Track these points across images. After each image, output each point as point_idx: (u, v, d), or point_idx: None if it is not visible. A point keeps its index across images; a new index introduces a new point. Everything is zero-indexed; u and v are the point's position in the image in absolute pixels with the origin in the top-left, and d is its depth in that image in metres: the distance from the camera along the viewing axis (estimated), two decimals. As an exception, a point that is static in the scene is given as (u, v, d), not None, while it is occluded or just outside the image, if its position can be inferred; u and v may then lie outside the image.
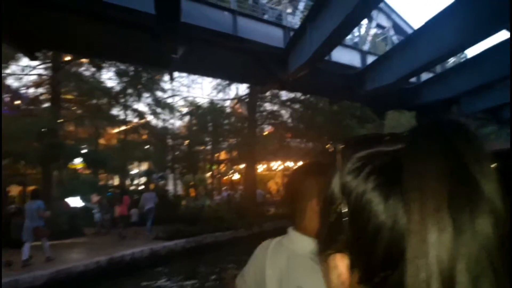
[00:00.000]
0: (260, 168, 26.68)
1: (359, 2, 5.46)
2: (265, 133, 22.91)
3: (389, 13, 12.41)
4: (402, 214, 0.33)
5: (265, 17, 8.37)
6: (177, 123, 19.22)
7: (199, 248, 11.00)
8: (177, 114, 18.54)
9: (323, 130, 17.50)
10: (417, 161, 0.33)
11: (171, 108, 17.81)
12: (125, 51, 8.67)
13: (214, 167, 26.78)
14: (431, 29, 7.79)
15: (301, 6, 9.21)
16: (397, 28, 12.54)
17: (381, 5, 12.30)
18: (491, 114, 15.17)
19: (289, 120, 19.40)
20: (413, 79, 11.71)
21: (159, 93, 17.11)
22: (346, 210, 0.38)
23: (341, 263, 0.38)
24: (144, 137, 19.34)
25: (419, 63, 8.24)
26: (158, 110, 17.19)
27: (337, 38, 6.69)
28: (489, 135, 26.13)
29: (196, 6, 7.09)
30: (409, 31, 11.76)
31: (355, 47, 10.28)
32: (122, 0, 6.01)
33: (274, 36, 8.24)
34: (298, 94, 17.02)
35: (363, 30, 11.14)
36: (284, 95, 17.76)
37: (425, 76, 12.05)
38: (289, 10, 9.08)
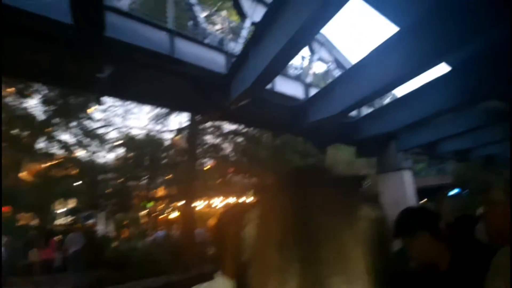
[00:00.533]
0: (200, 205, 25.47)
1: (300, 28, 5.08)
2: (206, 168, 22.02)
3: (330, 48, 12.61)
4: None
5: (206, 41, 7.83)
6: (109, 156, 17.70)
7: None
8: (108, 146, 17.06)
9: (266, 165, 17.05)
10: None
11: (101, 140, 16.35)
12: (45, 71, 7.58)
13: (150, 204, 25.10)
14: (373, 61, 7.70)
15: (244, 33, 8.83)
16: (338, 64, 12.74)
17: (323, 39, 12.50)
18: (427, 149, 15.72)
19: (231, 154, 18.75)
20: (354, 113, 11.74)
21: (89, 123, 15.64)
22: None
23: None
24: (72, 172, 17.51)
25: (361, 95, 8.07)
26: (87, 141, 15.66)
27: (279, 64, 6.25)
28: (420, 171, 27.46)
29: (128, 22, 6.35)
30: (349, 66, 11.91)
31: (298, 78, 10.07)
32: (34, 6, 5.09)
33: (216, 62, 7.69)
34: (241, 127, 16.56)
35: (306, 63, 11.05)
36: (227, 128, 17.22)
37: (365, 110, 12.20)
38: (231, 37, 8.66)
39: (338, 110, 8.52)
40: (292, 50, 5.85)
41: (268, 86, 8.86)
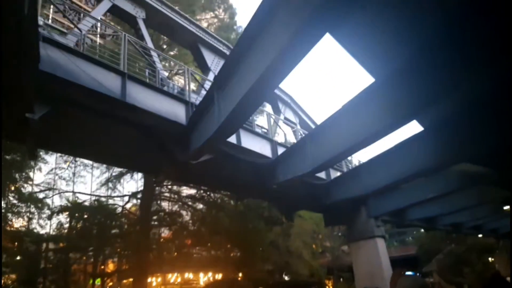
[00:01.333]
0: (155, 281, 22.93)
1: (261, 76, 4.45)
2: (161, 240, 20.12)
3: (296, 109, 12.29)
4: None
5: (165, 89, 7.03)
6: (50, 225, 15.51)
7: None
8: (49, 213, 15.01)
9: (228, 235, 15.65)
10: None
11: (42, 206, 14.40)
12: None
13: (98, 281, 22.24)
14: (346, 115, 7.23)
15: (206, 85, 8.19)
16: (303, 125, 12.36)
17: (289, 101, 12.20)
18: (395, 216, 15.12)
19: (190, 223, 17.23)
20: (323, 177, 11.09)
21: (28, 187, 13.88)
22: None
23: None
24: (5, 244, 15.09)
25: (334, 152, 7.43)
26: (24, 208, 13.71)
27: (245, 109, 5.49)
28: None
29: (72, 59, 5.47)
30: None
31: (265, 136, 9.39)
32: None
33: (175, 112, 6.85)
34: (201, 190, 15.33)
35: (272, 122, 10.50)
36: (186, 192, 15.95)
37: (335, 174, 11.62)
38: (192, 87, 7.97)
39: (310, 168, 7.76)
40: (255, 96, 5.18)
41: (234, 141, 8.09)
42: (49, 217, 14.78)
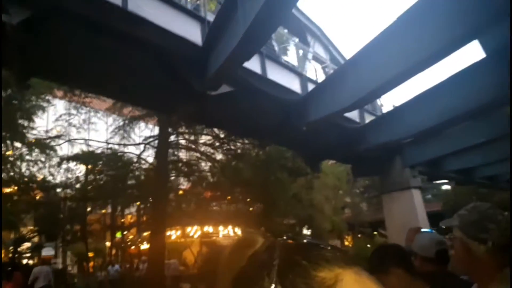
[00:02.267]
0: (173, 234, 22.70)
1: None
2: (180, 192, 19.57)
3: (326, 44, 10.90)
4: None
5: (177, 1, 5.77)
6: (63, 175, 14.86)
7: None
8: (62, 162, 14.29)
9: (249, 186, 14.77)
10: None
11: (49, 150, 13.66)
12: None
13: (118, 234, 22.19)
14: (393, 37, 5.91)
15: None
16: (334, 62, 11.02)
17: (319, 34, 10.78)
18: (430, 167, 13.88)
19: (209, 174, 16.42)
20: (356, 120, 9.88)
21: (35, 133, 13.12)
22: None
23: None
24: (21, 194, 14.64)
25: (379, 81, 6.16)
26: (36, 156, 13.02)
27: (266, 22, 4.22)
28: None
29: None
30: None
31: (294, 69, 8.13)
32: None
33: (188, 29, 5.63)
34: (220, 134, 14.30)
35: (301, 53, 9.18)
36: (203, 139, 15.01)
37: (369, 118, 10.40)
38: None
39: (350, 102, 6.55)
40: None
41: (259, 71, 6.91)
42: (59, 164, 14.09)
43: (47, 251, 21.87)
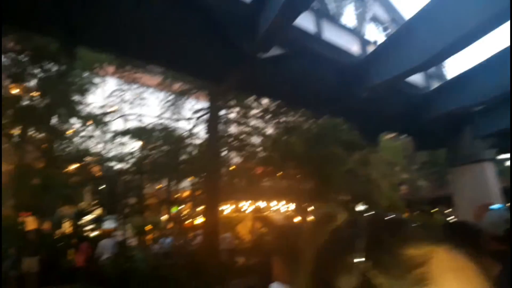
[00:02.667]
0: (227, 209, 22.99)
1: None
2: (232, 167, 19.54)
3: (386, 4, 9.90)
4: None
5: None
6: (116, 149, 15.30)
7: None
8: (115, 137, 14.63)
9: (301, 161, 14.24)
10: None
11: (102, 125, 14.02)
12: None
13: (175, 209, 22.84)
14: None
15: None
16: (396, 23, 10.00)
17: (378, -7, 9.78)
18: (501, 139, 12.44)
19: (260, 149, 16.10)
20: (420, 86, 8.93)
21: (87, 109, 13.46)
22: None
23: None
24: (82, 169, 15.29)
25: (456, 34, 5.30)
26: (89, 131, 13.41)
27: None
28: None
29: None
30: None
31: (352, 30, 7.37)
32: None
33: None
34: (271, 106, 13.80)
35: (359, 13, 8.34)
36: (254, 112, 14.62)
37: (435, 84, 9.36)
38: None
39: (420, 61, 5.76)
40: None
41: (314, 32, 6.28)
42: (113, 139, 14.46)
43: (109, 224, 23.12)
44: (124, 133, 14.55)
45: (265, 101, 13.59)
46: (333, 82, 7.35)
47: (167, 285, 8.75)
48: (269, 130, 14.98)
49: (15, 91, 12.35)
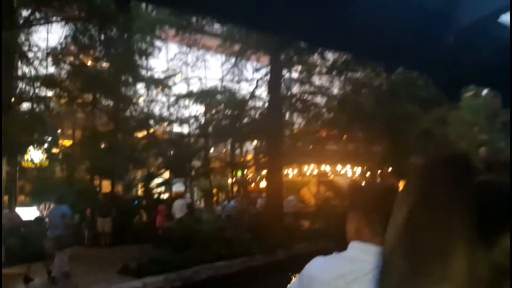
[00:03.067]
0: (291, 173, 22.64)
1: None
2: (295, 130, 18.97)
3: None
4: None
5: None
6: (180, 112, 15.40)
7: (189, 288, 7.16)
8: (179, 100, 14.67)
9: (371, 122, 13.21)
10: None
11: (165, 88, 14.05)
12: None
13: (239, 172, 23.02)
14: None
15: None
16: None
17: None
18: None
19: (325, 110, 15.27)
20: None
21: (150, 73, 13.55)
22: None
23: None
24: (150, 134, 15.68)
25: None
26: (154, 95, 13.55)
27: None
28: None
29: None
30: None
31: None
32: None
33: None
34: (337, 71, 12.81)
35: None
36: (319, 71, 13.73)
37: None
38: None
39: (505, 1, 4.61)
40: None
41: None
42: (176, 102, 14.51)
43: (178, 187, 24.03)
44: (187, 96, 14.51)
45: (330, 56, 12.61)
46: (410, 26, 6.34)
47: (230, 246, 8.69)
48: (335, 89, 14.01)
49: (83, 59, 12.78)
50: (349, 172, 23.87)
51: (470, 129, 26.21)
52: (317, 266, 1.10)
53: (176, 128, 16.55)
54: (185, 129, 16.41)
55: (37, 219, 8.71)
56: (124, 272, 7.10)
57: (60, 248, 7.39)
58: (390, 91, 11.85)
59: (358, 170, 23.49)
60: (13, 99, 10.45)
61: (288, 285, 1.20)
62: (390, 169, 19.92)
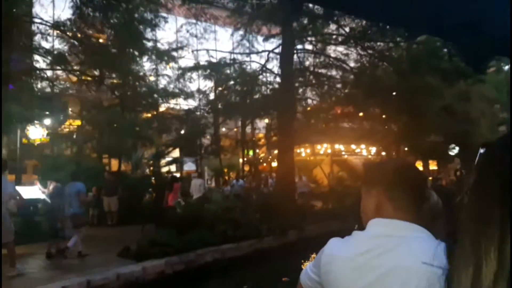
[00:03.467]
0: (303, 152, 22.02)
1: None
2: (308, 108, 18.22)
3: None
4: None
5: None
6: (187, 86, 14.68)
7: (192, 272, 6.69)
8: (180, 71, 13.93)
9: (388, 97, 12.40)
10: None
11: (172, 61, 13.36)
12: None
13: (250, 152, 22.49)
14: None
15: None
16: None
17: None
18: None
19: (339, 86, 14.47)
20: None
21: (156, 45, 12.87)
22: None
23: None
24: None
25: None
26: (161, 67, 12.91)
27: None
28: None
29: None
30: None
31: None
32: None
33: None
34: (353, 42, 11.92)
35: None
36: (334, 42, 12.84)
37: None
38: None
39: None
40: None
41: None
42: (182, 75, 13.79)
43: (189, 166, 23.70)
44: (194, 68, 13.79)
45: (347, 25, 11.70)
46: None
47: (238, 228, 8.19)
48: (352, 62, 13.13)
49: (90, 35, 12.19)
50: (364, 151, 23.13)
51: (491, 107, 25.09)
52: (338, 244, 1.07)
53: (185, 105, 15.91)
54: (193, 105, 15.73)
55: (54, 194, 8.33)
56: (124, 255, 6.66)
57: (76, 226, 7.22)
58: (410, 62, 10.97)
59: (373, 149, 22.73)
60: (17, 73, 10.02)
61: (304, 268, 1.15)
62: (406, 148, 19.15)
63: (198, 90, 14.85)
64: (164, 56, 12.86)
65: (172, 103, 15.36)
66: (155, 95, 13.23)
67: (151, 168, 16.19)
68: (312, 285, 1.10)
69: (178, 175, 17.93)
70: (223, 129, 19.77)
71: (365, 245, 1.00)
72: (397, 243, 0.94)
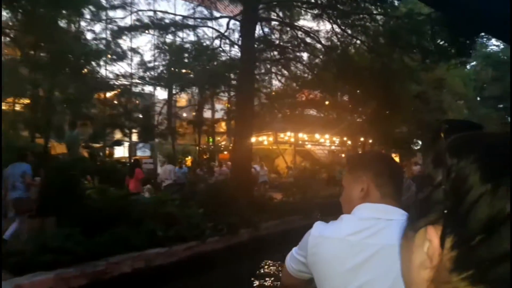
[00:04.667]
0: (265, 140, 20.55)
1: None
2: (272, 92, 16.73)
3: None
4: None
5: None
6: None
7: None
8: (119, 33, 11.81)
9: (361, 80, 11.00)
10: None
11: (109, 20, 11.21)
12: None
13: (210, 140, 20.77)
14: None
15: None
16: None
17: None
18: None
19: (306, 68, 12.96)
20: None
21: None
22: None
23: (434, 234, 0.40)
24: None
25: None
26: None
27: None
28: None
29: None
30: None
31: None
32: None
33: None
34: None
35: None
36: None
37: None
38: None
39: None
40: None
41: None
42: (120, 35, 11.64)
43: (143, 152, 21.66)
44: (134, 28, 11.61)
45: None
46: None
47: (171, 226, 6.46)
48: (322, 40, 11.54)
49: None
50: (328, 141, 22.02)
51: (457, 101, 24.79)
52: (325, 226, 1.08)
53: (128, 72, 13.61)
54: (137, 75, 13.58)
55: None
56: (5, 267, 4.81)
57: (20, 212, 6.58)
58: (387, 37, 9.58)
59: (337, 140, 21.66)
60: None
61: (288, 254, 1.17)
62: (371, 140, 18.15)
63: (132, 49, 12.75)
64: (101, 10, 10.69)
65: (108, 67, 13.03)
66: (88, 58, 10.98)
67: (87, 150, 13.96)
68: (296, 267, 1.12)
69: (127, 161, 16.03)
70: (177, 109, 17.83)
71: (356, 226, 1.02)
72: (387, 225, 0.98)
